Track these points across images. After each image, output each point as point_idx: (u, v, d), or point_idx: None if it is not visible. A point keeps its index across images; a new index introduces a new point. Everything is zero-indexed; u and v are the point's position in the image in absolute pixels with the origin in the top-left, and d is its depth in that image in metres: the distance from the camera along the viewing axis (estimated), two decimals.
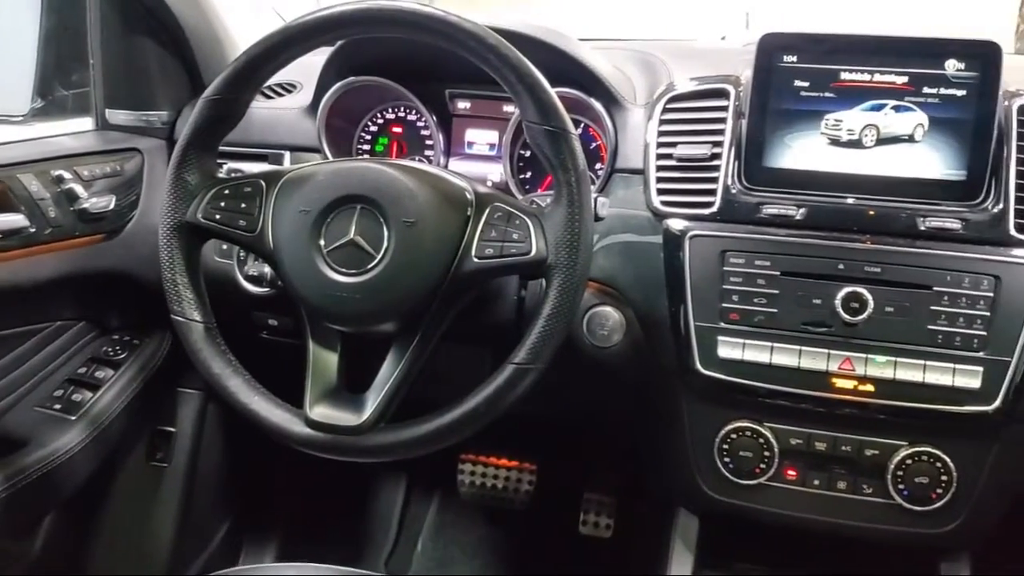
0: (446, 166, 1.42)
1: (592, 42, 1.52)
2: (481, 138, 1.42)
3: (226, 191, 1.08)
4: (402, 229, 1.00)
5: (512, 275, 1.12)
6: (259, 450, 1.72)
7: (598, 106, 1.29)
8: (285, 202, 1.05)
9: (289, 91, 1.52)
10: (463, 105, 1.42)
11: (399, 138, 1.45)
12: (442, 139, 1.41)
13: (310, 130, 1.40)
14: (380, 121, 1.46)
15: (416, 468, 1.99)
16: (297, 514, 1.92)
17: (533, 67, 1.00)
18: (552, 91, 1.00)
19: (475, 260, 1.01)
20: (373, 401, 1.02)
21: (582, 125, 1.35)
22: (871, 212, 1.12)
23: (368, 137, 1.46)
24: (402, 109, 1.45)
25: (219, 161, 1.32)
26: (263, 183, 1.07)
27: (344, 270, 1.01)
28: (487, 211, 1.02)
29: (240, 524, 1.82)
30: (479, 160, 1.42)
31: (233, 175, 1.14)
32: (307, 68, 1.42)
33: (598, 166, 1.32)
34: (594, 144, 1.35)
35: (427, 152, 1.43)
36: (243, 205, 1.07)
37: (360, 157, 1.42)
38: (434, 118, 1.40)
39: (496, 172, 1.41)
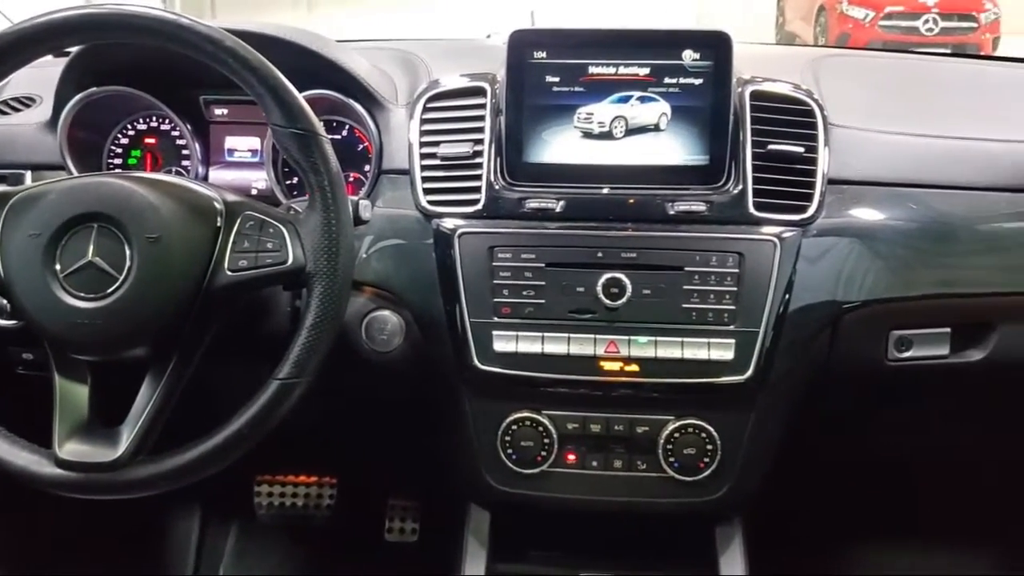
0: (206, 176, 1.36)
1: (352, 43, 1.51)
2: (242, 144, 1.37)
3: None
4: (145, 246, 0.94)
5: (272, 286, 1.08)
6: (24, 497, 1.58)
7: (358, 107, 1.27)
8: (14, 226, 0.97)
9: (28, 105, 1.41)
10: (220, 111, 1.36)
11: (153, 149, 1.37)
12: (199, 148, 1.34)
13: (52, 146, 1.30)
14: (131, 132, 1.37)
15: (210, 494, 1.89)
16: (80, 562, 1.78)
17: (275, 69, 0.97)
18: (297, 93, 0.98)
19: (228, 273, 0.97)
20: (129, 433, 0.96)
21: (347, 127, 1.33)
22: (624, 200, 1.16)
23: (119, 150, 1.37)
24: (154, 119, 1.36)
25: None
26: None
27: (84, 295, 0.94)
28: (239, 221, 0.98)
29: None
30: (242, 168, 1.37)
31: None
32: (48, 80, 1.32)
33: (366, 168, 1.30)
34: (361, 146, 1.32)
35: (184, 162, 1.36)
36: None
37: (100, 172, 1.33)
38: (188, 126, 1.33)
39: (261, 179, 1.36)
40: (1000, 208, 1.20)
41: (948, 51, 7.80)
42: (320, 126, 0.98)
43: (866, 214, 1.18)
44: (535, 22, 1.71)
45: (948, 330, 1.21)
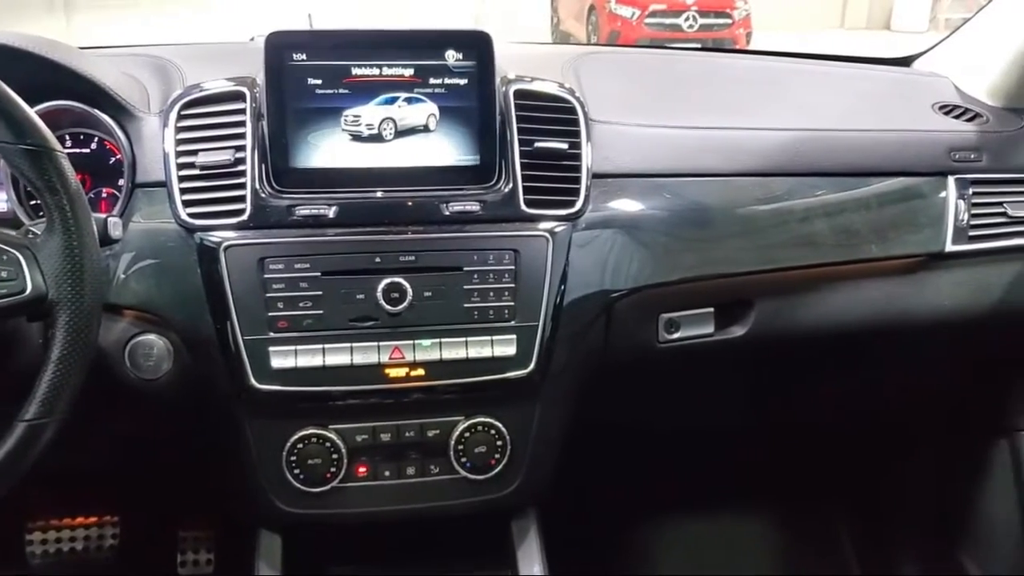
0: None
1: (99, 50, 1.40)
2: None
3: None
4: None
5: (12, 318, 0.98)
6: None
7: (105, 118, 1.18)
8: None
9: None
10: None
11: None
12: None
13: None
14: None
15: None
16: None
17: None
18: (24, 105, 0.89)
19: None
20: None
21: (96, 139, 1.23)
22: (399, 203, 1.15)
23: None
24: None
25: None
26: None
27: None
28: None
29: None
30: None
31: None
32: None
33: (120, 182, 1.21)
34: (112, 159, 1.23)
35: None
36: None
37: None
38: None
39: (0, 201, 1.23)
40: (750, 192, 1.29)
41: (700, 46, 8.40)
42: (54, 140, 0.90)
43: (628, 205, 1.23)
44: (313, 25, 1.67)
45: (711, 310, 1.28)
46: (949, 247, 1.36)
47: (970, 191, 1.37)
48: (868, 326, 1.37)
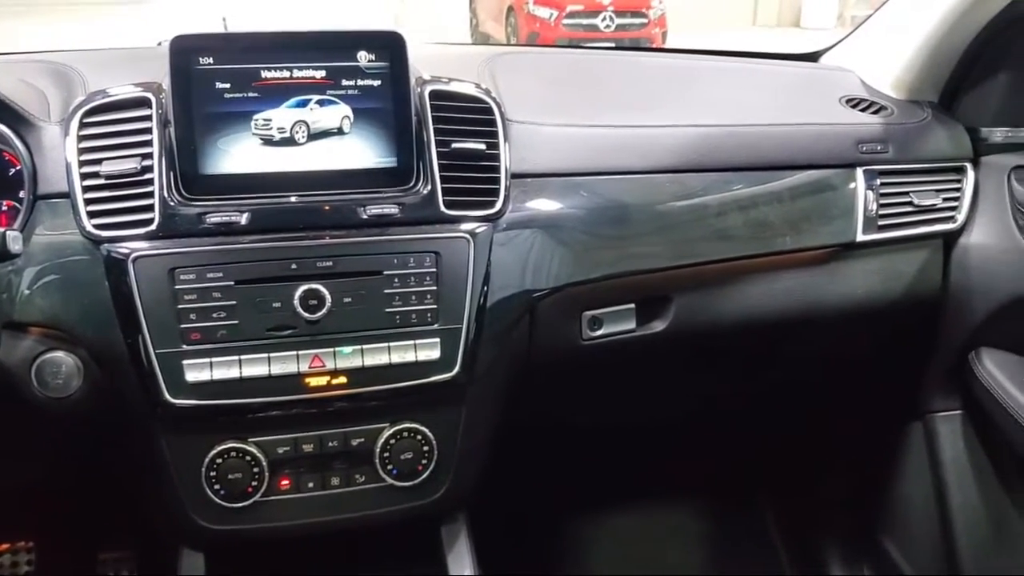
0: None
1: None
2: None
3: None
4: None
5: None
6: None
7: (2, 127, 1.13)
8: None
9: None
10: None
11: None
12: None
13: None
14: None
15: None
16: None
17: None
18: None
19: None
20: None
21: None
22: (315, 208, 1.12)
23: None
24: None
25: None
26: None
27: None
28: None
29: None
30: None
31: None
32: None
33: (20, 193, 1.16)
34: (13, 170, 1.17)
35: None
36: None
37: None
38: None
39: None
40: (667, 189, 1.30)
41: (615, 45, 8.52)
42: None
43: (548, 205, 1.23)
44: (228, 28, 1.63)
45: (632, 306, 1.29)
46: (860, 237, 1.39)
47: (878, 182, 1.40)
48: (785, 317, 1.40)
